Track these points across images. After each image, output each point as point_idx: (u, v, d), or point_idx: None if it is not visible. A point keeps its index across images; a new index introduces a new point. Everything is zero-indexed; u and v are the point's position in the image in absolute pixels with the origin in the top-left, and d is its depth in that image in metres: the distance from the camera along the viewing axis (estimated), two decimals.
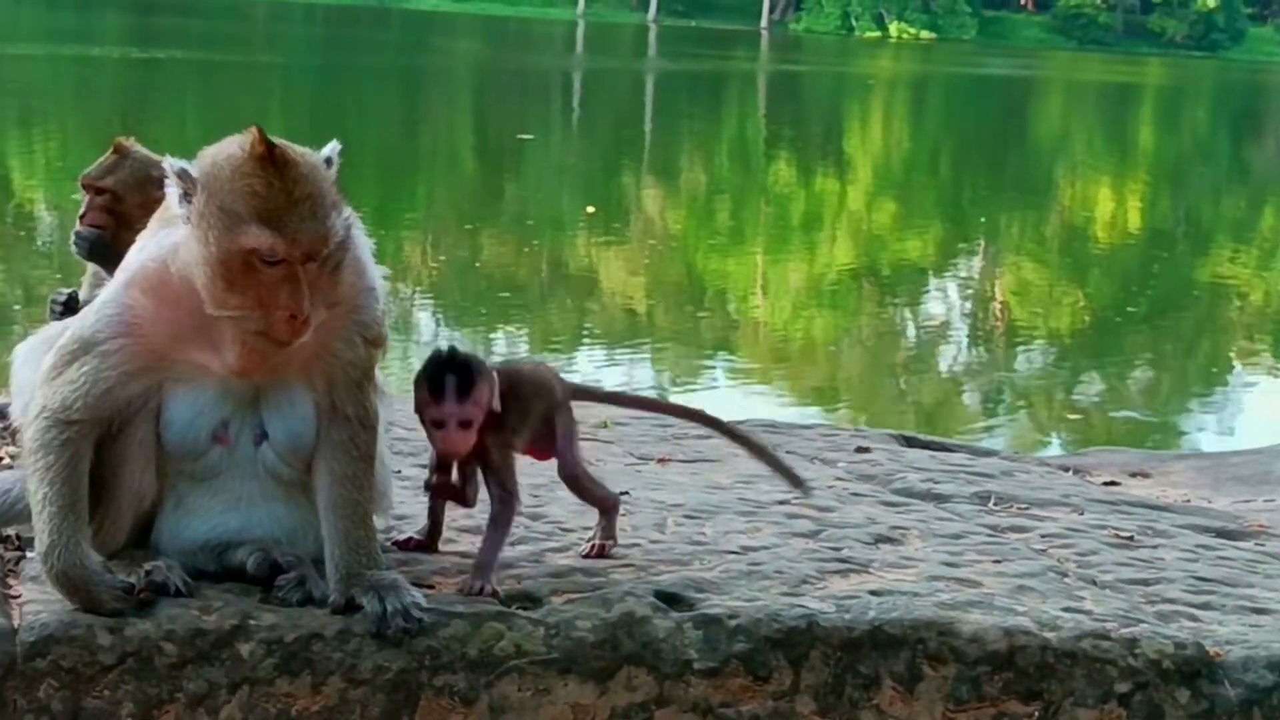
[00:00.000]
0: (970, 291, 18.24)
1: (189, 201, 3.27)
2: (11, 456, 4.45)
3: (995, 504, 4.47)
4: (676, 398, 11.19)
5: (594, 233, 19.45)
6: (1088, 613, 3.59)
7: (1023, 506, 4.46)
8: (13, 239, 17.25)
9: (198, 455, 3.44)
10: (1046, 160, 32.49)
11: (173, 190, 3.30)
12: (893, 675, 3.43)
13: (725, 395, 11.78)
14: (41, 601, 3.32)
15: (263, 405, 3.44)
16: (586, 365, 12.92)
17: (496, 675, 3.35)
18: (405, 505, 3.97)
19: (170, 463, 3.44)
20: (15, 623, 3.28)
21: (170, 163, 3.30)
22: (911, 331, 15.82)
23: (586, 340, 14.33)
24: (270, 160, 3.22)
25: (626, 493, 4.25)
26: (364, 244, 3.49)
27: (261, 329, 3.24)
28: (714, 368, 13.30)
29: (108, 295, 3.45)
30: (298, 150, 3.30)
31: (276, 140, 3.25)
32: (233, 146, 3.28)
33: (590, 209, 20.65)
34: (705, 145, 30.94)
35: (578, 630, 3.39)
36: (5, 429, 4.77)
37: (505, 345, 13.93)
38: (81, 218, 4.64)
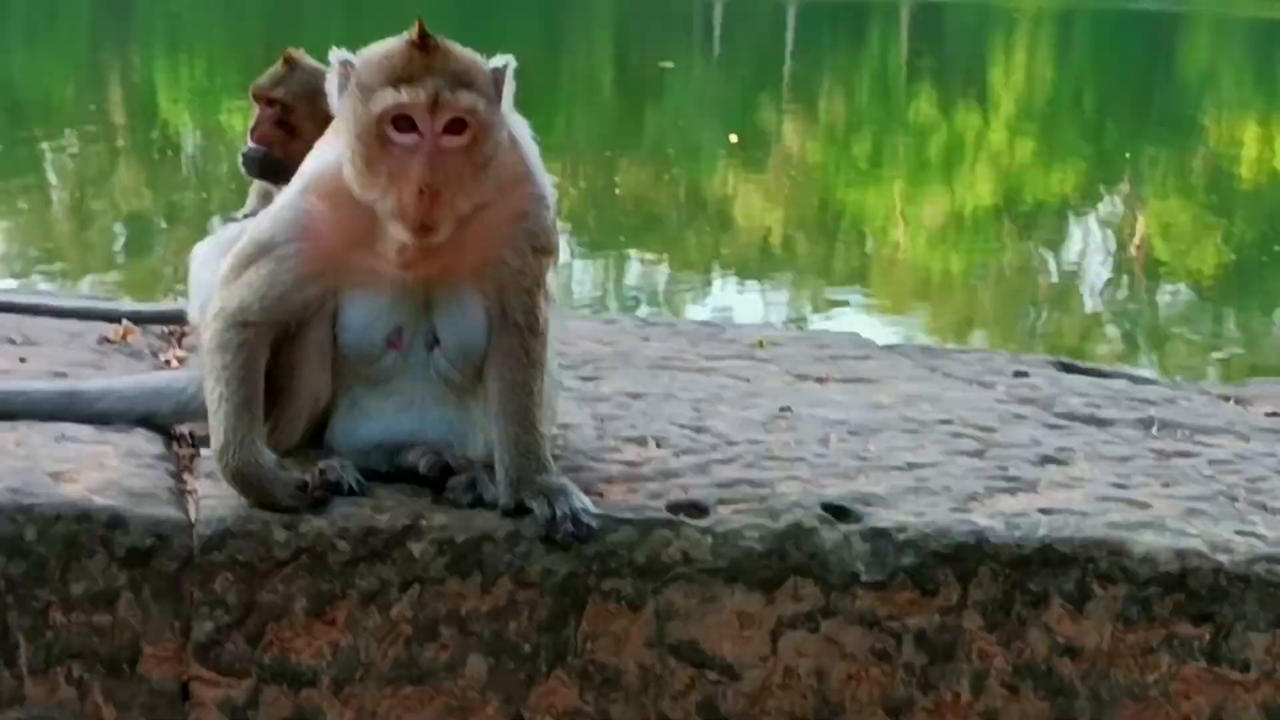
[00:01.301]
0: (1113, 228, 18.01)
1: (344, 90, 3.30)
2: (179, 359, 4.51)
3: (1159, 429, 4.41)
4: (814, 326, 11.15)
5: (733, 162, 19.38)
6: (1261, 537, 3.54)
7: (1187, 433, 4.40)
8: (161, 161, 17.47)
9: (372, 359, 3.46)
10: (1193, 97, 31.97)
11: (333, 81, 3.33)
12: (1062, 594, 3.41)
13: (864, 324, 11.72)
14: (217, 497, 3.37)
15: (435, 312, 3.46)
16: (724, 294, 12.90)
17: (663, 582, 3.36)
18: (569, 415, 3.99)
19: (345, 366, 3.47)
20: (192, 517, 3.33)
21: (334, 53, 3.34)
22: (1053, 267, 15.65)
23: (723, 269, 14.30)
24: (421, 43, 3.24)
25: (788, 408, 4.25)
26: (533, 151, 3.50)
27: (397, 213, 3.25)
28: (851, 299, 13.23)
29: (285, 199, 3.48)
30: (458, 45, 3.31)
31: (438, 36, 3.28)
32: (393, 39, 3.31)
33: (734, 138, 20.56)
34: (846, 77, 30.72)
35: (745, 540, 3.40)
36: (171, 333, 4.84)
37: (641, 273, 13.93)
38: (251, 131, 4.68)
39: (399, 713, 3.33)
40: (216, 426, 3.37)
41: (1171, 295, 14.48)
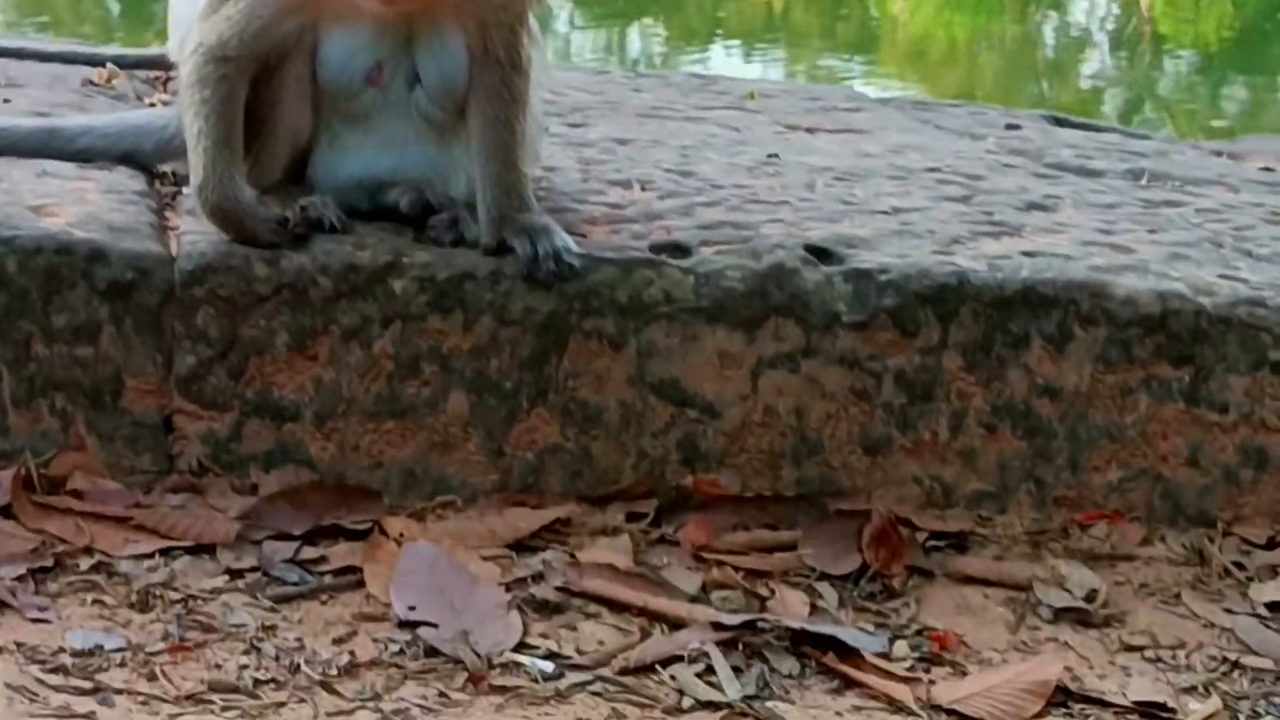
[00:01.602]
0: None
1: None
2: (164, 103, 4.48)
3: (1149, 180, 4.39)
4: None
5: None
6: (1244, 281, 3.54)
7: (1177, 184, 4.38)
8: None
9: (352, 95, 3.43)
10: None
11: None
12: (1043, 335, 3.41)
13: (862, 88, 11.61)
14: (198, 233, 3.36)
15: (416, 48, 3.42)
16: (722, 58, 12.78)
17: (645, 321, 3.36)
18: (554, 159, 3.97)
19: (325, 102, 3.44)
20: (173, 252, 3.33)
21: None
22: (1056, 37, 15.48)
23: (725, 35, 14.15)
24: None
25: (776, 155, 4.23)
26: None
27: None
28: (852, 66, 13.10)
29: None
30: None
31: None
32: None
33: None
34: None
35: (727, 280, 3.39)
36: (157, 78, 4.80)
37: (640, 39, 13.78)
38: None
39: (381, 447, 3.35)
40: (196, 162, 3.35)
41: (1175, 64, 14.34)
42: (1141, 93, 13.11)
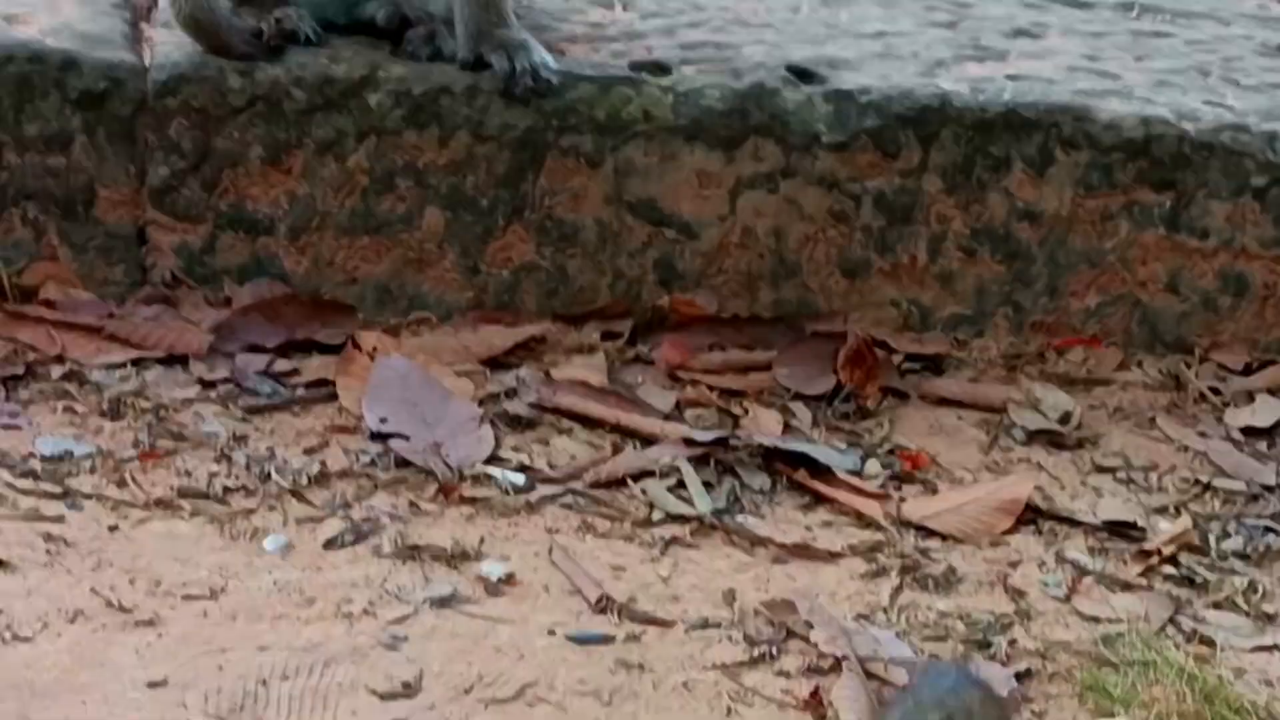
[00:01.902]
0: None
1: None
2: None
3: (1140, 12, 4.33)
4: None
5: None
6: (1229, 108, 3.50)
7: (1168, 16, 4.32)
8: None
9: None
10: None
11: None
12: (1024, 158, 3.38)
13: None
14: (173, 44, 3.32)
15: None
16: None
17: (623, 139, 3.33)
18: None
19: None
20: (147, 62, 3.29)
21: None
22: None
23: None
24: None
25: None
26: None
27: None
28: None
29: None
30: None
31: None
32: None
33: None
34: None
35: (706, 99, 3.36)
36: None
37: None
38: None
39: (355, 262, 3.33)
40: None
41: None
42: None
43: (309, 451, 2.96)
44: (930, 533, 2.90)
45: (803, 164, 3.36)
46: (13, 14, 3.35)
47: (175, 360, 3.14)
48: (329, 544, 2.73)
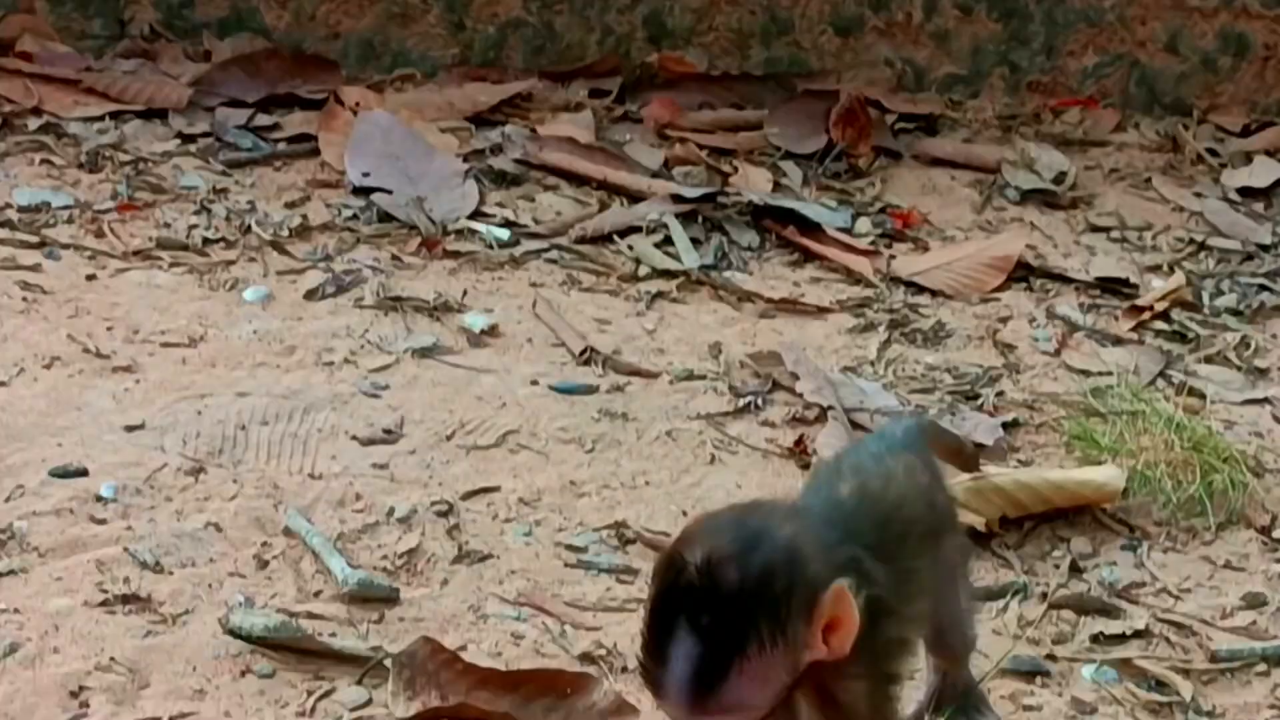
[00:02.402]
0: None
1: None
2: None
3: None
4: None
5: None
6: None
7: None
8: None
9: None
10: None
11: None
12: None
13: None
14: None
15: None
16: None
17: None
18: None
19: None
20: None
21: None
22: None
23: None
24: None
25: None
26: None
27: None
28: None
29: None
30: None
31: None
32: None
33: None
34: None
35: None
36: None
37: None
38: None
39: (338, 17, 3.27)
40: None
41: None
42: None
43: (290, 205, 2.91)
44: (920, 289, 2.86)
45: None
46: None
47: (154, 114, 3.09)
48: (310, 294, 2.69)
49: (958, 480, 2.12)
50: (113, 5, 3.21)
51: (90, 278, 2.67)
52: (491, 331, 2.64)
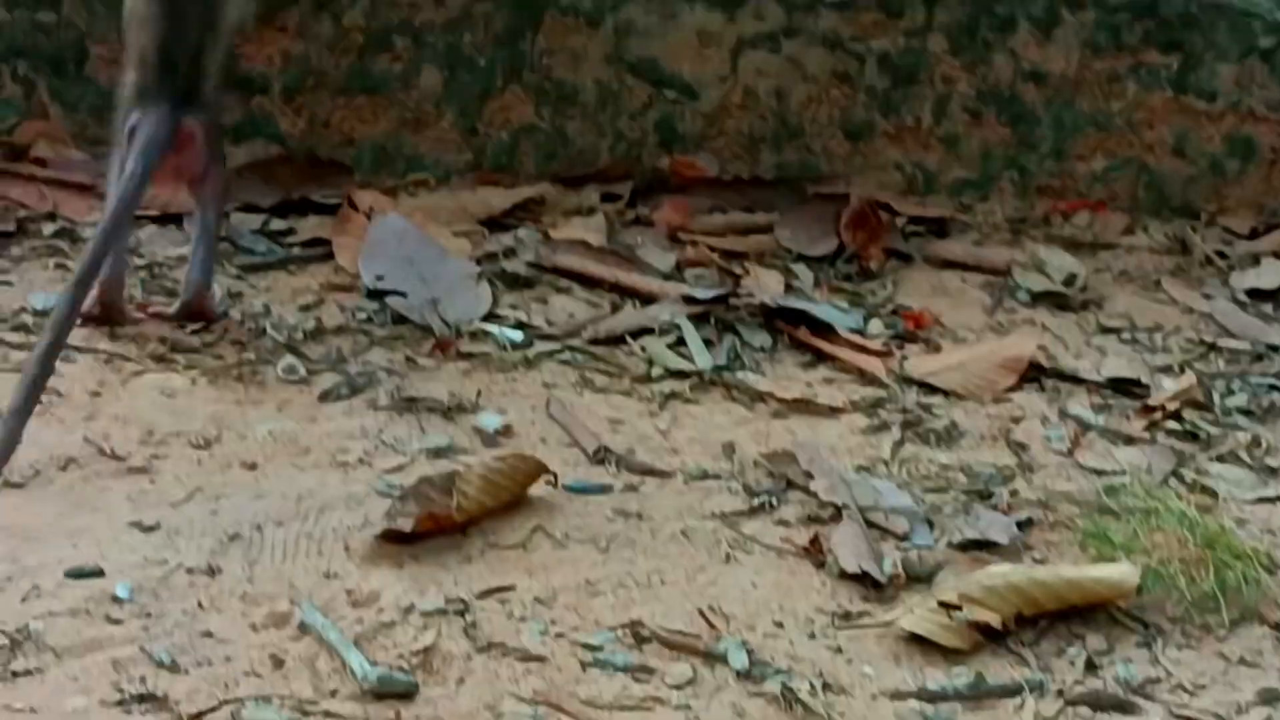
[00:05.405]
0: None
1: None
2: None
3: None
4: None
5: None
6: None
7: None
8: None
9: None
10: None
11: None
12: (1029, 18, 3.34)
13: None
14: None
15: None
16: None
17: None
18: None
19: None
20: None
21: None
22: None
23: None
24: None
25: None
26: None
27: None
28: None
29: None
30: None
31: None
32: None
33: None
34: None
35: None
36: None
37: None
38: None
39: (351, 123, 3.29)
40: None
41: None
42: None
43: (305, 309, 2.93)
44: (933, 389, 2.87)
45: (805, 23, 3.31)
46: None
47: (169, 219, 3.11)
48: (324, 396, 2.70)
49: (971, 578, 2.13)
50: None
51: (105, 381, 2.68)
52: (505, 432, 2.65)
